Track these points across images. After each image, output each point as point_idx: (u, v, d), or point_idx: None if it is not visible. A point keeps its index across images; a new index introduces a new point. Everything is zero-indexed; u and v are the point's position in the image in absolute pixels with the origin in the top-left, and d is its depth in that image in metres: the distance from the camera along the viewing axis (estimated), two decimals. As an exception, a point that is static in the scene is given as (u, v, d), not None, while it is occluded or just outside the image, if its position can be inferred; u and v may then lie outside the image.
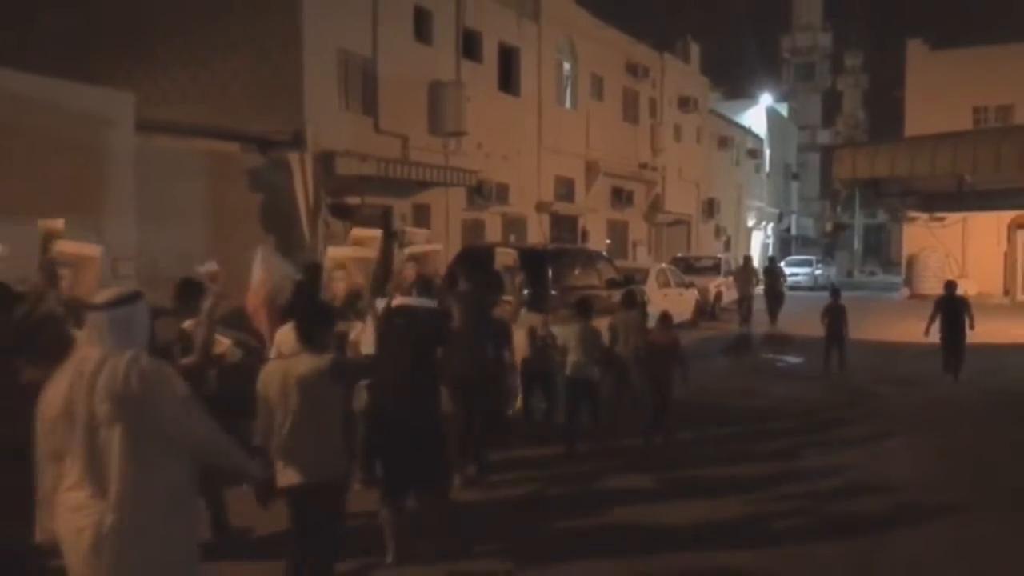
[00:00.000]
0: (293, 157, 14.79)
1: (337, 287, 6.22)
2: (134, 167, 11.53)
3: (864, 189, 17.07)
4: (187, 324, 5.40)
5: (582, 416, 8.32)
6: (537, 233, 21.99)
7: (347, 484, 4.64)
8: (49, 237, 6.54)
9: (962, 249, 29.60)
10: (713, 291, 21.94)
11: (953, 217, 28.37)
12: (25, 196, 9.98)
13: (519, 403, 9.10)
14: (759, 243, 44.45)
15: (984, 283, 28.92)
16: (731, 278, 22.80)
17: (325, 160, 15.06)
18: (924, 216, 28.18)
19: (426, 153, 17.82)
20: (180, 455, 3.29)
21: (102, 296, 3.38)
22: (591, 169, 25.32)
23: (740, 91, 50.14)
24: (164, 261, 10.69)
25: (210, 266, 7.90)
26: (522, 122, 21.85)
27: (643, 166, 28.64)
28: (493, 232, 20.35)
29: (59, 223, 6.79)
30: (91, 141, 11.04)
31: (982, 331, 17.32)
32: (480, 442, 7.16)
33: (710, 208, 34.76)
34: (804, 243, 53.32)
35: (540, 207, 22.64)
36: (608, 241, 26.55)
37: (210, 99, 15.30)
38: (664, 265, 20.12)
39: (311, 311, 4.60)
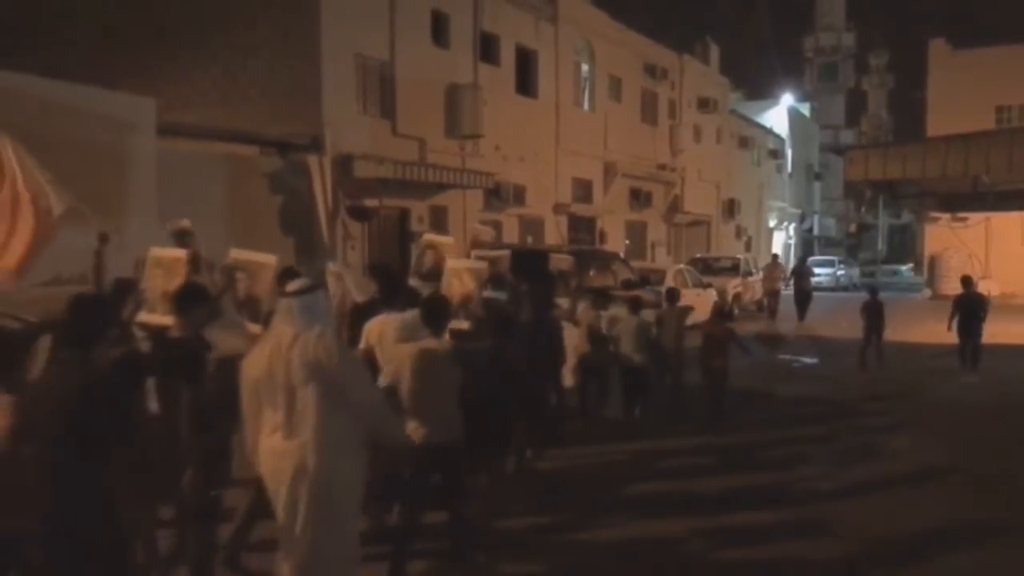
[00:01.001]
0: (312, 160, 15.02)
1: (453, 292, 7.03)
2: (156, 170, 11.77)
3: (881, 190, 17.00)
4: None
5: (636, 403, 9.22)
6: (554, 235, 22.10)
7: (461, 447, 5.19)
8: (183, 235, 7.92)
9: (985, 249, 29.34)
10: (732, 292, 21.93)
11: (975, 217, 28.14)
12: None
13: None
14: (781, 244, 44.24)
15: (1007, 283, 28.66)
16: (750, 279, 22.87)
17: (343, 163, 15.28)
18: (946, 216, 27.99)
19: (443, 156, 18.00)
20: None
21: (292, 287, 4.22)
22: (609, 170, 25.39)
23: (762, 91, 50.03)
24: (184, 262, 10.90)
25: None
26: (539, 124, 21.97)
27: (662, 167, 28.67)
28: (510, 234, 20.47)
29: (185, 222, 8.17)
30: (114, 145, 11.28)
31: (1005, 332, 17.30)
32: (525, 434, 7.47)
33: (730, 209, 34.70)
34: (827, 244, 53.00)
35: (557, 209, 22.76)
36: (627, 242, 26.62)
37: (230, 103, 15.56)
38: (682, 266, 20.15)
39: (437, 306, 5.37)
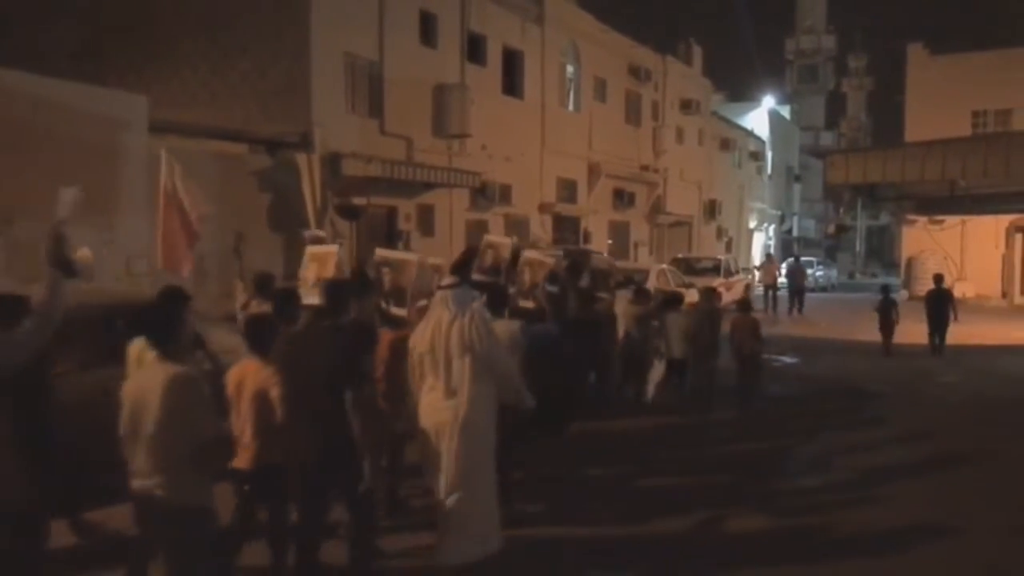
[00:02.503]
0: (301, 158, 15.12)
1: (524, 279, 8.71)
2: (147, 167, 11.85)
3: (860, 193, 17.36)
4: None
5: (676, 389, 10.26)
6: (539, 235, 22.30)
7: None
8: (315, 238, 9.62)
9: (960, 252, 29.84)
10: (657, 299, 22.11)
11: (951, 220, 28.59)
12: (42, 196, 10.32)
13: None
14: (760, 244, 44.69)
15: (982, 286, 29.18)
16: (731, 279, 23.20)
17: (332, 162, 15.40)
18: (923, 219, 28.43)
19: (430, 155, 18.15)
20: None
21: (446, 282, 5.60)
22: (593, 171, 25.63)
23: (743, 93, 50.43)
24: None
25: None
26: (525, 124, 22.16)
27: (645, 168, 28.94)
28: (496, 233, 20.63)
29: (320, 232, 10.23)
30: (106, 142, 11.38)
31: (980, 333, 17.85)
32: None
33: (712, 209, 35.05)
34: (806, 245, 53.53)
35: (543, 208, 22.97)
36: (610, 242, 26.85)
37: (220, 102, 15.64)
38: (664, 266, 20.39)
39: (498, 294, 6.41)
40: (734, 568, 5.57)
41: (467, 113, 18.74)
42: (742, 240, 40.21)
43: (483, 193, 19.75)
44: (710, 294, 10.98)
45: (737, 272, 25.65)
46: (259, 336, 4.69)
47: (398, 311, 6.92)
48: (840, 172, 13.50)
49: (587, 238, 24.63)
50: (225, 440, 3.98)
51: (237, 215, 13.55)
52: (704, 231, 34.79)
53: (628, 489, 7.35)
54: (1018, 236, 28.55)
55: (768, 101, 47.83)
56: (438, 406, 5.22)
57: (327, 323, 5.20)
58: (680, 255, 27.32)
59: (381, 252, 8.25)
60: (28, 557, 3.86)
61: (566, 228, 23.99)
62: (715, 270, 23.56)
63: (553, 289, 8.93)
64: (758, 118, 45.46)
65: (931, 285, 15.56)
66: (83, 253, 7.63)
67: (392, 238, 16.63)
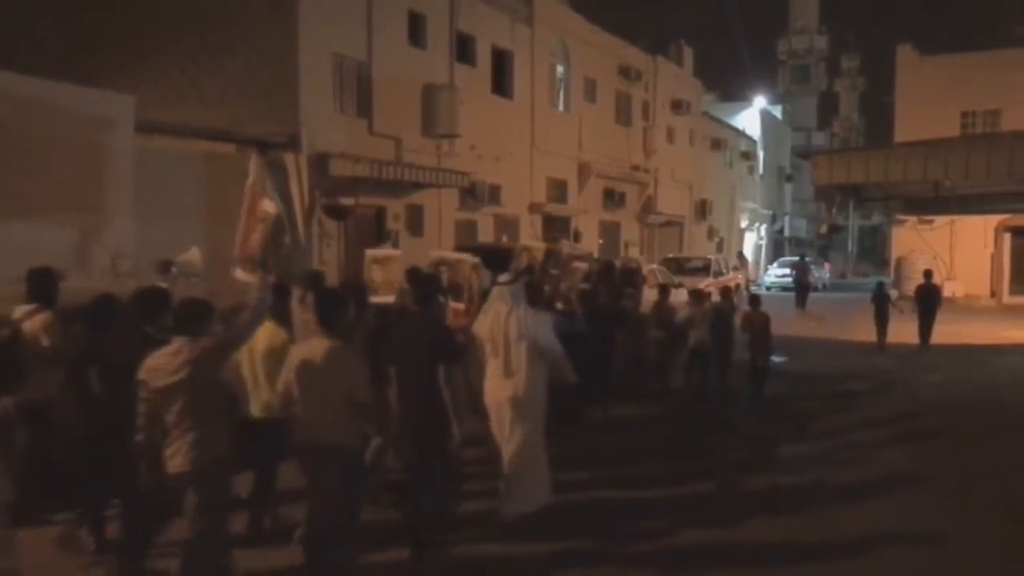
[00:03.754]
0: (289, 159, 15.14)
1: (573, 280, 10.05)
2: (134, 167, 11.88)
3: (846, 193, 17.49)
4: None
5: (702, 378, 10.96)
6: (529, 235, 22.34)
7: None
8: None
9: (950, 251, 29.97)
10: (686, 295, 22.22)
11: (941, 220, 28.72)
12: (28, 196, 10.34)
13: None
14: (752, 244, 44.80)
15: (971, 285, 29.33)
16: (721, 279, 23.23)
17: (320, 162, 15.42)
18: (913, 219, 28.56)
19: (419, 155, 18.18)
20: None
21: (503, 279, 6.49)
22: (583, 171, 25.69)
23: (735, 93, 50.52)
24: (162, 258, 11.03)
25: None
26: (515, 124, 22.21)
27: (635, 168, 29.01)
28: (485, 233, 20.70)
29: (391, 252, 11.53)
30: (92, 142, 11.38)
31: (968, 332, 18.08)
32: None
33: (703, 209, 35.13)
34: (798, 244, 53.65)
35: (532, 208, 23.01)
36: (600, 242, 26.92)
37: (208, 101, 15.66)
38: (655, 266, 20.45)
39: (535, 290, 7.26)
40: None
41: (456, 113, 18.77)
42: (733, 240, 40.31)
43: (472, 193, 19.78)
44: (728, 293, 12.38)
45: (728, 272, 25.71)
46: (331, 315, 5.04)
47: (455, 305, 7.75)
48: (824, 172, 13.61)
49: (577, 238, 24.66)
50: (370, 400, 4.86)
51: (225, 215, 13.59)
52: (695, 231, 34.88)
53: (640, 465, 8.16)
54: (1006, 236, 28.72)
55: (760, 101, 47.93)
56: (498, 384, 6.11)
57: (422, 311, 6.04)
58: (670, 255, 27.40)
59: (438, 253, 9.89)
60: (353, 489, 4.89)
61: (556, 228, 24.03)
62: (704, 270, 23.63)
63: (584, 286, 10.26)
64: (750, 118, 45.56)
65: (917, 284, 16.72)
66: (191, 255, 8.93)
67: (381, 238, 16.65)
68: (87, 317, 5.52)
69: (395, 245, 15.92)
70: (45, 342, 5.47)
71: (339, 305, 5.04)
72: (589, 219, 26.16)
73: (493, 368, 6.14)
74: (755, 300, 11.58)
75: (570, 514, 6.43)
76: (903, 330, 16.24)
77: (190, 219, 12.88)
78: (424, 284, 6.55)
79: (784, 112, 56.03)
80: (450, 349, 5.87)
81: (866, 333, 16.88)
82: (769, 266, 41.76)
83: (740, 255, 31.40)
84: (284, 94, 15.25)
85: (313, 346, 4.80)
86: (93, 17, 16.89)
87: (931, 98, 30.19)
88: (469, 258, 9.19)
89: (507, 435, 6.10)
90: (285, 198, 15.12)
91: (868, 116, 79.43)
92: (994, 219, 27.86)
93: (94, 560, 5.29)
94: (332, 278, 14.53)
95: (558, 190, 24.71)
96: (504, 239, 20.64)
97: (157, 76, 16.14)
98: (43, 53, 15.93)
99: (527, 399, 6.09)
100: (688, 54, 33.99)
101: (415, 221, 18.47)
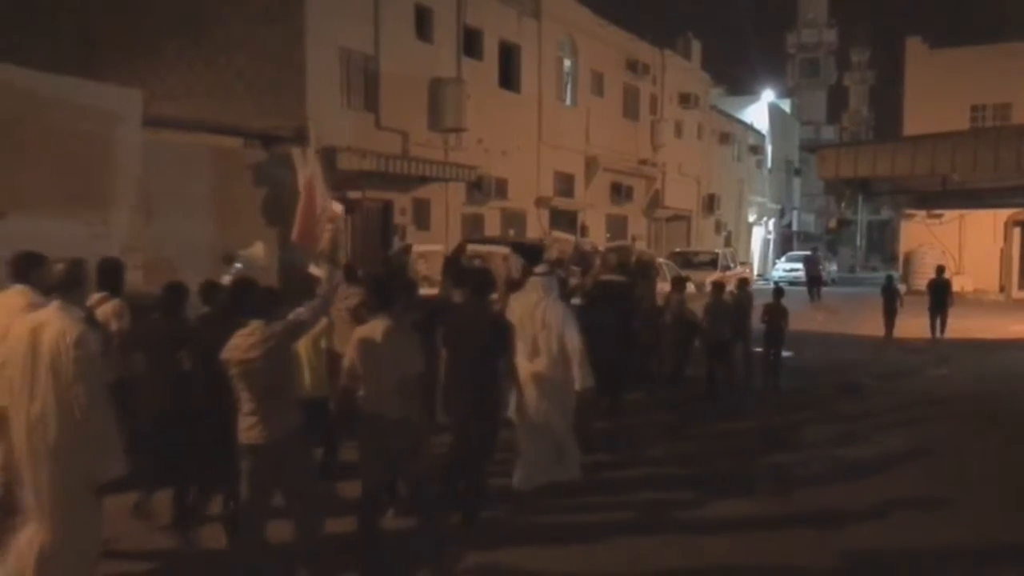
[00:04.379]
0: (296, 153, 15.13)
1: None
2: (141, 162, 11.90)
3: (855, 187, 17.47)
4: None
5: (719, 368, 11.12)
6: (536, 229, 22.33)
7: None
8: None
9: (959, 246, 29.89)
10: (709, 286, 22.21)
11: (950, 214, 28.63)
12: (36, 190, 10.39)
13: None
14: (760, 239, 44.69)
15: (980, 280, 29.23)
16: (728, 273, 23.22)
17: (327, 156, 15.40)
18: (922, 213, 28.46)
19: (426, 149, 18.18)
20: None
21: (538, 270, 7.25)
22: (590, 164, 25.65)
23: (743, 87, 50.44)
24: (170, 253, 11.09)
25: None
26: (522, 118, 22.19)
27: (643, 162, 28.95)
28: (492, 227, 20.70)
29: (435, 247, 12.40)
30: (100, 136, 11.40)
31: (977, 327, 18.16)
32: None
33: (710, 204, 35.02)
34: (806, 239, 53.51)
35: (539, 202, 23.00)
36: (608, 236, 26.86)
37: (215, 96, 15.68)
38: (661, 260, 20.42)
39: (560, 281, 7.75)
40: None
41: (463, 107, 18.76)
42: (741, 234, 40.21)
43: (479, 187, 19.78)
44: (745, 283, 12.68)
45: (736, 266, 25.67)
46: (388, 298, 5.47)
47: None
48: (831, 166, 13.57)
49: (584, 232, 24.63)
50: (420, 375, 5.32)
51: (232, 209, 13.64)
52: (703, 225, 34.79)
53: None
54: (1016, 230, 28.57)
55: (768, 95, 47.79)
56: (524, 365, 6.69)
57: (477, 305, 6.42)
58: (678, 249, 27.35)
59: (473, 246, 10.37)
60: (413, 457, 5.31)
61: (563, 222, 23.99)
62: (712, 264, 23.62)
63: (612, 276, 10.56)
64: (758, 112, 45.42)
65: (929, 279, 17.24)
66: (255, 248, 9.64)
67: (388, 232, 16.68)
68: (165, 303, 6.10)
69: (402, 239, 15.94)
70: (115, 327, 5.82)
71: (395, 290, 5.57)
72: (596, 213, 26.13)
73: (520, 351, 6.68)
74: (778, 292, 12.04)
75: (596, 488, 7.01)
76: (913, 324, 16.31)
77: (197, 213, 12.92)
78: (482, 279, 6.99)
79: (793, 106, 55.84)
80: (506, 337, 6.37)
81: (874, 327, 16.94)
82: (777, 260, 41.65)
83: (816, 250, 33.20)
84: (291, 88, 15.27)
85: (375, 327, 5.24)
86: (100, 12, 16.93)
87: (940, 91, 30.07)
88: (501, 249, 9.99)
89: (531, 413, 6.67)
90: (292, 193, 15.20)
91: (878, 110, 79.07)
92: (1004, 214, 27.73)
93: (169, 527, 5.75)
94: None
95: (565, 184, 24.70)
96: (511, 233, 20.67)
97: (164, 71, 16.16)
98: (50, 47, 15.98)
99: (547, 380, 6.64)
100: (696, 47, 33.87)
101: (422, 215, 18.49)
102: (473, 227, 19.92)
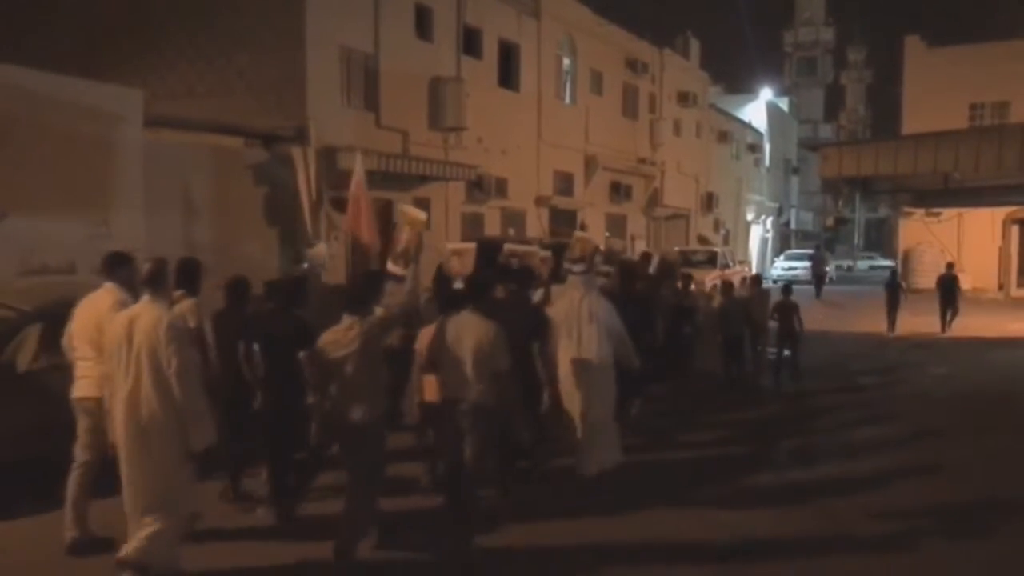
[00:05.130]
0: (296, 152, 15.13)
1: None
2: (142, 161, 11.87)
3: (856, 186, 17.52)
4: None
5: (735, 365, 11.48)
6: (536, 227, 22.33)
7: None
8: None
9: (957, 244, 29.89)
10: (709, 284, 22.22)
11: (949, 213, 28.66)
12: (37, 190, 10.36)
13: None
14: (758, 237, 44.70)
15: (979, 278, 29.23)
16: (727, 271, 23.23)
17: (327, 155, 15.41)
18: (920, 212, 28.48)
19: (426, 148, 18.16)
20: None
21: (577, 268, 7.60)
22: (590, 163, 25.63)
23: (741, 86, 50.43)
24: (171, 253, 11.03)
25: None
26: (521, 117, 22.17)
27: (642, 160, 28.95)
28: (492, 226, 20.68)
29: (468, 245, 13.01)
30: (101, 136, 11.38)
31: (974, 325, 18.24)
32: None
33: (709, 202, 35.03)
34: (804, 237, 53.53)
35: (539, 201, 22.98)
36: (607, 235, 26.84)
37: (215, 95, 15.65)
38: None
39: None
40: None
41: (463, 106, 18.74)
42: (740, 232, 40.22)
43: (479, 186, 19.76)
44: (758, 280, 13.02)
45: (734, 264, 25.66)
46: (482, 294, 6.04)
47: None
48: (834, 165, 13.57)
49: (584, 231, 24.61)
50: (507, 366, 5.70)
51: (233, 209, 13.61)
52: (702, 223, 34.79)
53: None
54: (1014, 228, 28.58)
55: (766, 93, 47.79)
56: (571, 359, 7.02)
57: (520, 295, 7.03)
58: (677, 248, 27.33)
59: (510, 246, 11.03)
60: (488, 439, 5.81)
61: (562, 221, 23.98)
62: (710, 262, 23.60)
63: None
64: (756, 110, 45.42)
65: (928, 277, 17.63)
66: (318, 249, 10.32)
67: (388, 232, 16.63)
68: (230, 296, 6.67)
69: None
70: (191, 323, 6.04)
71: (486, 286, 6.16)
72: (595, 212, 26.11)
73: (566, 346, 7.03)
74: (787, 289, 12.31)
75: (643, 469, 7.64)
76: (914, 322, 16.35)
77: (198, 212, 12.90)
78: (526, 274, 7.76)
79: (790, 104, 55.85)
80: (543, 327, 6.81)
81: (876, 324, 16.99)
82: (776, 259, 41.66)
83: (819, 249, 33.85)
84: (291, 88, 15.24)
85: (463, 319, 5.71)
86: (101, 12, 16.88)
87: (939, 90, 30.09)
88: (538, 250, 10.61)
89: (579, 404, 7.01)
90: (293, 192, 15.18)
91: (875, 108, 79.26)
92: (1002, 212, 27.75)
93: (251, 508, 6.28)
94: (339, 272, 14.56)
95: (565, 183, 24.68)
96: (511, 232, 20.65)
97: (165, 70, 16.13)
98: (51, 47, 15.93)
99: (597, 372, 7.03)
100: (695, 46, 33.87)
101: (422, 214, 18.43)
102: (473, 226, 19.90)
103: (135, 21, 16.51)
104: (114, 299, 5.39)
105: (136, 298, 5.23)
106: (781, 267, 36.92)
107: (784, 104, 53.00)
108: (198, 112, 14.67)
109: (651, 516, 6.45)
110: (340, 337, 5.25)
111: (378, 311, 5.63)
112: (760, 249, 44.73)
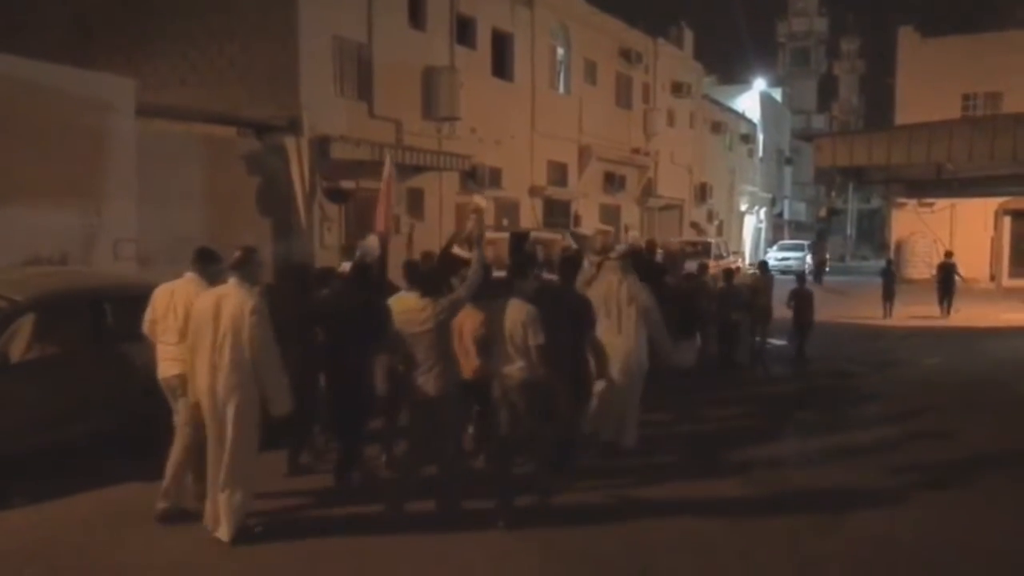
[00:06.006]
0: (289, 142, 15.10)
1: None
2: (135, 151, 11.83)
3: (849, 176, 17.55)
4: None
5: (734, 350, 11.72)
6: (529, 218, 22.32)
7: None
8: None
9: (950, 235, 29.92)
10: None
11: (941, 203, 28.70)
12: (29, 180, 10.32)
13: None
14: (751, 227, 44.74)
15: (971, 268, 29.12)
16: (721, 262, 23.28)
17: (320, 145, 15.37)
18: (913, 202, 28.53)
19: (420, 138, 18.12)
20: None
21: (614, 255, 8.22)
22: (584, 154, 25.61)
23: (734, 76, 50.33)
24: (163, 242, 11.03)
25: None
26: (515, 107, 22.12)
27: (636, 151, 28.93)
28: (486, 216, 20.60)
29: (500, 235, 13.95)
30: (93, 126, 11.35)
31: (967, 316, 18.35)
32: None
33: (702, 193, 35.05)
34: (797, 228, 53.61)
35: (533, 191, 22.96)
36: (600, 225, 26.84)
37: (208, 85, 15.59)
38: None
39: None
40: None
41: (456, 96, 18.69)
42: (733, 223, 40.26)
43: (473, 176, 19.72)
44: (765, 265, 13.15)
45: (728, 255, 25.74)
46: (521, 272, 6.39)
47: (550, 276, 8.65)
48: (828, 155, 13.59)
49: (577, 222, 24.63)
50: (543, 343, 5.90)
51: (226, 199, 13.57)
52: (695, 214, 34.81)
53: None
54: (1006, 219, 28.67)
55: (759, 84, 47.76)
56: (610, 340, 7.22)
57: (565, 284, 7.21)
58: (671, 239, 27.35)
59: (536, 234, 12.02)
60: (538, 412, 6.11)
61: (556, 211, 23.98)
62: (704, 252, 23.62)
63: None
64: (749, 101, 45.41)
65: (920, 268, 17.80)
66: (370, 240, 10.78)
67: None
68: (294, 283, 7.26)
69: (397, 229, 15.87)
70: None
71: (525, 273, 6.37)
72: (589, 202, 26.10)
73: (606, 327, 7.28)
74: (801, 277, 12.53)
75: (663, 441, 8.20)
76: (909, 311, 16.49)
77: (191, 202, 12.86)
78: (570, 263, 7.91)
79: (784, 95, 55.80)
80: (591, 316, 6.96)
81: (872, 312, 17.17)
82: (769, 249, 41.72)
83: (820, 236, 36.48)
84: (285, 77, 15.19)
85: (515, 306, 6.03)
86: (94, 1, 16.79)
87: (932, 80, 30.08)
88: (561, 238, 11.25)
89: (616, 381, 7.28)
90: (286, 182, 15.15)
91: (868, 99, 79.21)
92: (994, 202, 27.82)
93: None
94: (334, 261, 14.53)
95: (558, 173, 24.65)
96: (504, 222, 20.63)
97: (157, 60, 16.06)
98: (43, 36, 15.85)
99: (632, 351, 7.38)
100: (688, 36, 33.82)
101: (416, 204, 18.44)
102: (467, 217, 19.80)
103: (128, 10, 16.43)
104: (196, 289, 5.89)
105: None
106: (775, 257, 36.91)
107: (777, 95, 52.98)
108: (191, 101, 14.63)
109: (687, 473, 7.18)
110: (415, 316, 5.82)
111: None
112: (753, 239, 44.78)
